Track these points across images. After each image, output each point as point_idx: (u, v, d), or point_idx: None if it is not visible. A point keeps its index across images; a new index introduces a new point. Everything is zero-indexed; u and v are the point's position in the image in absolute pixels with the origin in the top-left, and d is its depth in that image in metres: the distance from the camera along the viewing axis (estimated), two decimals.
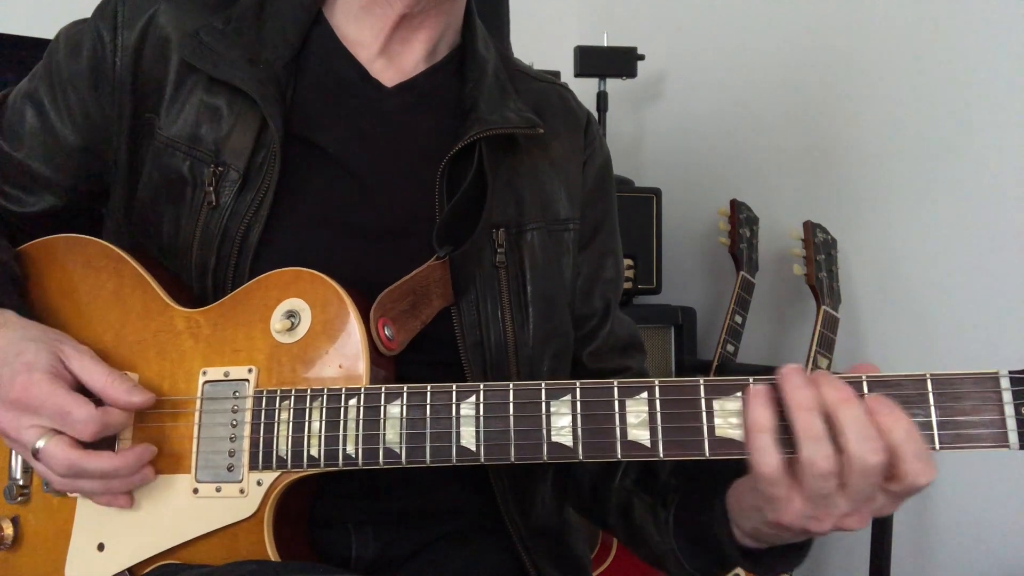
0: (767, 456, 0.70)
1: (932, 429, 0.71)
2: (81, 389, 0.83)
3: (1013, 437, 0.69)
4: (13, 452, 0.91)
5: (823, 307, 1.92)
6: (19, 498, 0.90)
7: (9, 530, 0.90)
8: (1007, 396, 0.70)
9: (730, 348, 2.04)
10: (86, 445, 0.82)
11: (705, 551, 0.85)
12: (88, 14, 1.01)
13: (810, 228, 1.97)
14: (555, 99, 1.11)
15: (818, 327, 1.91)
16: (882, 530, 1.85)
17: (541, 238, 1.02)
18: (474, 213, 0.96)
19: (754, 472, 0.71)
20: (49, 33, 1.04)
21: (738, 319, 2.06)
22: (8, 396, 0.81)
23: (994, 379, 0.70)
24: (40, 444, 0.80)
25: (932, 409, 0.71)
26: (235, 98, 0.95)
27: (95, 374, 0.83)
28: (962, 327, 1.86)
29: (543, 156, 1.05)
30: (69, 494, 0.88)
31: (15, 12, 1.91)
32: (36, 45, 1.52)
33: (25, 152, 1.00)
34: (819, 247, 1.95)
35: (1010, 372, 0.70)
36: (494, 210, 0.99)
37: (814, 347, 1.89)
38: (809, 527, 0.72)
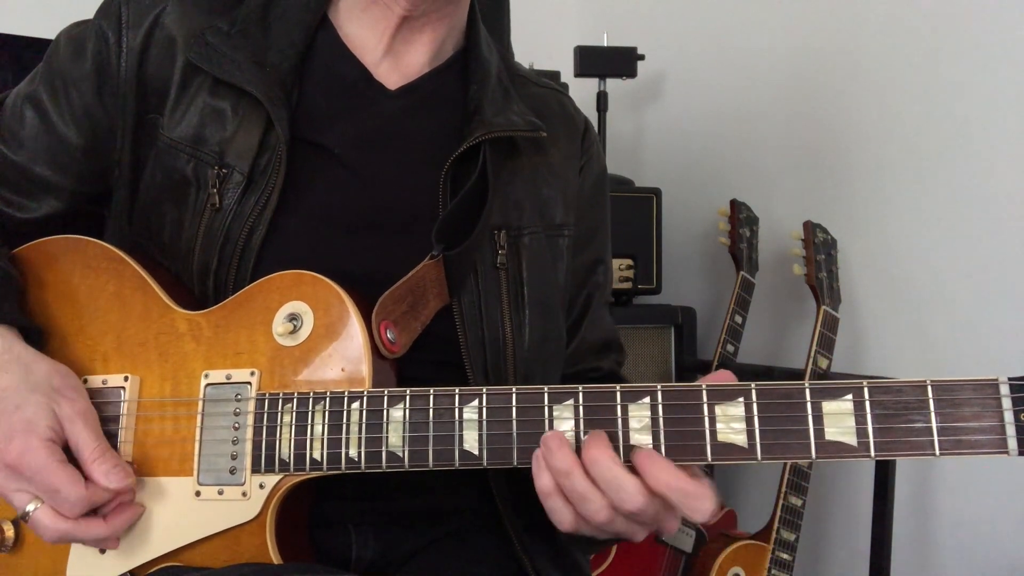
0: (559, 515, 0.78)
1: (932, 435, 0.71)
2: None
3: (1012, 443, 0.70)
4: None
5: (823, 307, 1.92)
6: None
7: (10, 532, 0.90)
8: (1006, 403, 0.70)
9: (730, 348, 2.04)
10: None
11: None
12: (88, 14, 1.01)
13: (810, 228, 1.97)
14: (554, 105, 1.11)
15: (818, 327, 1.91)
16: (882, 530, 1.85)
17: (538, 242, 1.02)
18: (474, 214, 0.96)
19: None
20: (49, 33, 1.03)
21: (738, 319, 2.06)
22: (3, 458, 0.81)
23: (993, 386, 0.71)
24: (30, 509, 0.81)
25: (932, 415, 0.71)
26: (240, 100, 0.95)
27: (85, 445, 0.82)
28: (962, 327, 1.86)
29: (542, 161, 1.05)
30: None
31: (15, 12, 1.91)
32: (36, 45, 1.52)
33: (26, 155, 0.99)
34: (819, 247, 1.95)
35: (1009, 379, 0.70)
36: (495, 212, 0.99)
37: (814, 347, 1.89)
38: (625, 539, 0.80)
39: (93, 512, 0.83)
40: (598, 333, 1.11)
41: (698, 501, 0.73)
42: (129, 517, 0.84)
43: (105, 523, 0.83)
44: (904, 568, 1.92)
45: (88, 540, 0.83)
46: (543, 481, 0.77)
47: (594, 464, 0.75)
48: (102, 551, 0.86)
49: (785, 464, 1.90)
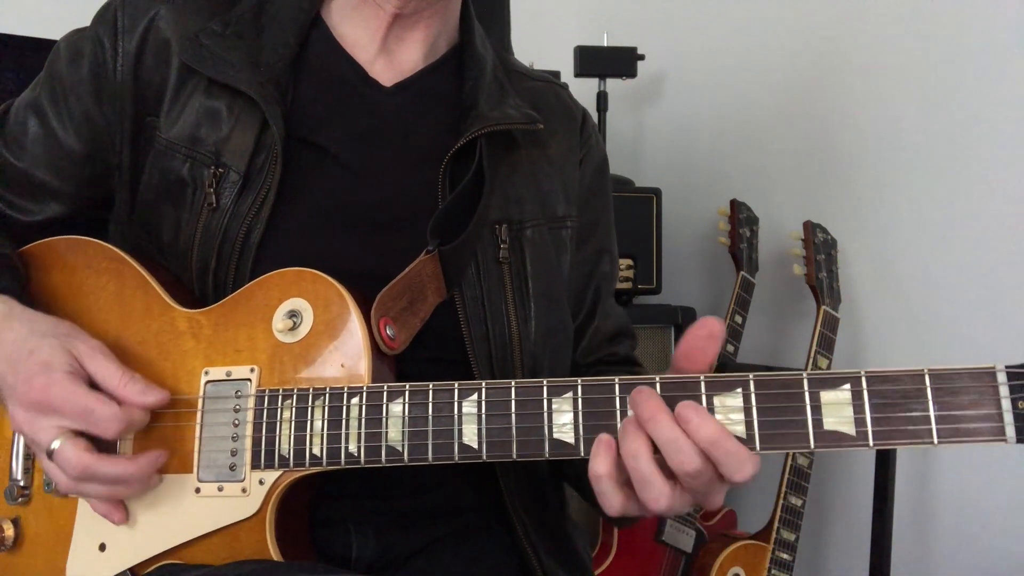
0: (609, 500, 0.76)
1: (930, 423, 0.71)
2: (95, 387, 0.83)
3: (1010, 431, 0.70)
4: (14, 453, 0.91)
5: (823, 307, 1.92)
6: (20, 499, 0.90)
7: (10, 531, 0.90)
8: (1004, 390, 0.70)
9: (730, 348, 2.04)
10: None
11: None
12: (88, 15, 1.02)
13: (810, 228, 1.97)
14: (551, 98, 1.12)
15: (818, 327, 1.91)
16: (882, 530, 1.85)
17: (540, 235, 1.03)
18: (471, 209, 0.97)
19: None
20: (49, 33, 1.04)
21: (738, 319, 2.06)
22: (27, 397, 0.81)
23: (991, 374, 0.71)
24: (56, 445, 0.80)
25: (930, 404, 0.71)
26: (235, 100, 0.96)
27: (110, 374, 0.83)
28: (962, 327, 1.86)
29: (541, 154, 1.06)
30: (70, 496, 0.88)
31: (15, 12, 1.91)
32: (36, 45, 1.52)
33: (29, 161, 1.00)
34: (819, 247, 1.96)
35: (1007, 367, 0.71)
36: (495, 207, 0.99)
37: (814, 347, 1.89)
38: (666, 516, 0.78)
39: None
40: (611, 322, 1.11)
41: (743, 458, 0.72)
42: (153, 459, 0.84)
43: (128, 460, 0.83)
44: (904, 568, 1.92)
45: (109, 478, 0.82)
46: (599, 465, 0.75)
47: (648, 424, 0.73)
48: (102, 548, 0.86)
49: (785, 464, 1.90)
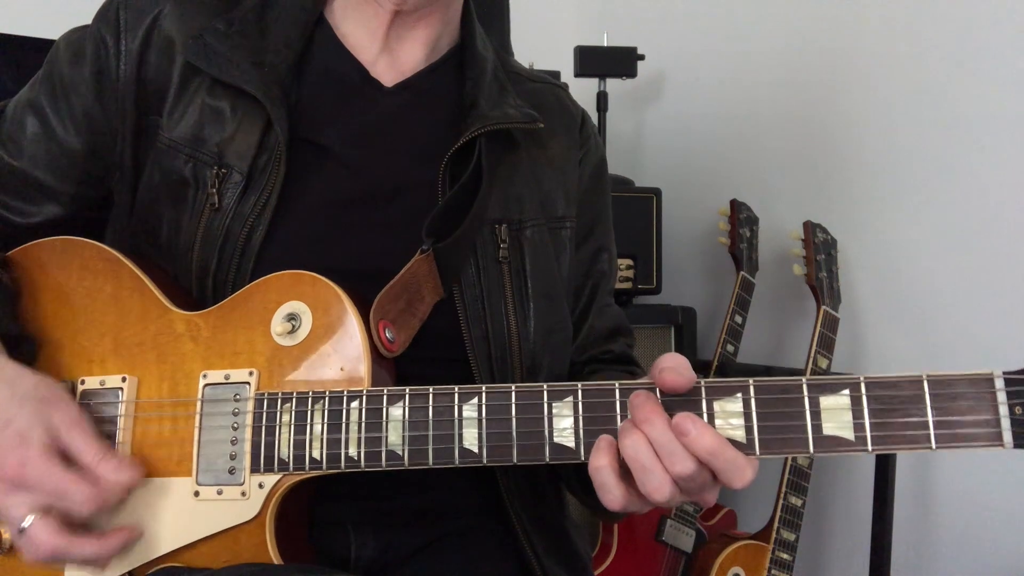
0: (610, 493, 0.76)
1: (929, 429, 0.72)
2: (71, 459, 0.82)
3: (1007, 436, 0.70)
4: None
5: (823, 307, 1.92)
6: None
7: (6, 535, 0.89)
8: (1001, 396, 0.71)
9: (730, 348, 2.04)
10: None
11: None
12: (88, 14, 1.01)
13: (810, 228, 1.97)
14: (551, 99, 1.12)
15: (818, 327, 1.91)
16: (882, 530, 1.85)
17: (540, 235, 1.03)
18: (469, 209, 0.96)
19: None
20: (49, 33, 1.04)
21: (738, 319, 2.06)
22: (0, 472, 0.79)
23: (988, 380, 0.71)
24: (27, 524, 0.79)
25: (928, 409, 0.72)
26: (238, 100, 0.96)
27: (85, 448, 0.82)
28: (962, 327, 1.86)
29: (541, 154, 1.06)
30: None
31: (15, 12, 1.91)
32: (36, 45, 1.52)
33: (26, 161, 0.99)
34: (819, 247, 1.95)
35: (1004, 373, 0.71)
36: (495, 206, 0.99)
37: (814, 347, 1.89)
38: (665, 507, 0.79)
39: (85, 530, 0.82)
40: (606, 321, 1.11)
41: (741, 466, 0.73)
42: (124, 537, 0.83)
43: (99, 541, 0.82)
44: (904, 568, 1.92)
45: (80, 559, 0.82)
46: (599, 457, 0.76)
47: (643, 425, 0.74)
48: None
49: (785, 464, 1.90)
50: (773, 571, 1.89)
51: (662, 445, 0.73)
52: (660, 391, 0.77)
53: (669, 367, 0.77)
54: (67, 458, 0.82)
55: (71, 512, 0.80)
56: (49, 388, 0.85)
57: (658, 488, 0.74)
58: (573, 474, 1.01)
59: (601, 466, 0.76)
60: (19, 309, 0.93)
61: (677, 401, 0.75)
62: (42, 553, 0.80)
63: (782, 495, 1.89)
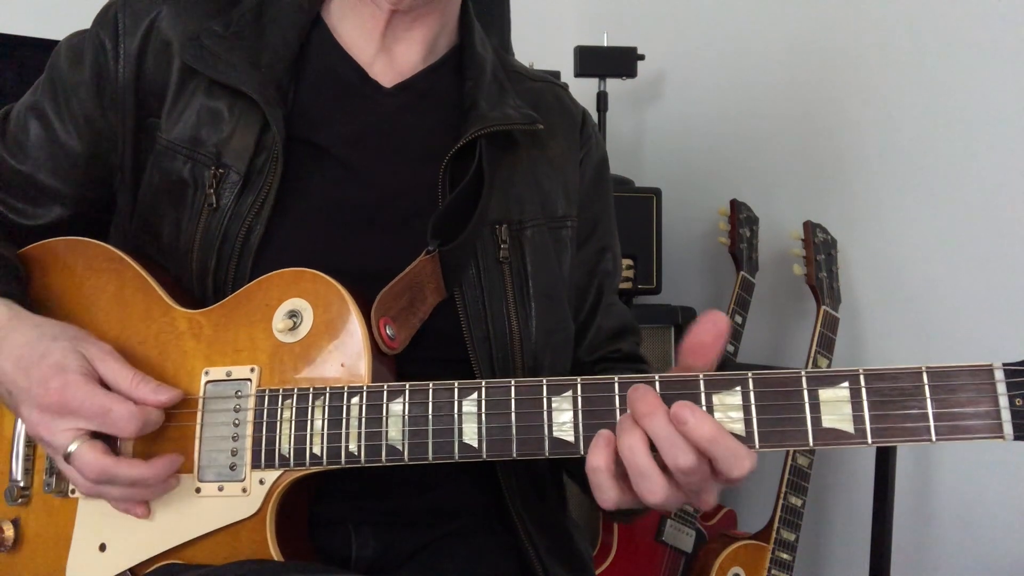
0: (605, 493, 0.76)
1: (928, 421, 0.71)
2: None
3: (1008, 428, 0.70)
4: (14, 454, 0.91)
5: (823, 307, 1.92)
6: (20, 500, 0.90)
7: (10, 532, 0.90)
8: (1001, 388, 0.70)
9: (730, 348, 2.04)
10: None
11: None
12: (88, 15, 1.02)
13: (810, 228, 1.97)
14: (551, 98, 1.12)
15: (818, 327, 1.91)
16: (882, 530, 1.85)
17: (541, 235, 1.03)
18: (471, 209, 0.97)
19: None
20: (49, 33, 1.04)
21: (738, 319, 2.06)
22: (43, 399, 0.81)
23: (988, 371, 0.71)
24: (73, 448, 0.80)
25: (928, 401, 0.72)
26: (236, 101, 0.96)
27: (122, 375, 0.83)
28: (962, 327, 1.86)
29: (541, 154, 1.06)
30: (84, 497, 0.87)
31: (15, 12, 1.91)
32: (36, 45, 1.52)
33: (31, 164, 1.00)
34: (819, 247, 1.96)
35: (1004, 364, 0.71)
36: (495, 207, 0.99)
37: (814, 347, 1.89)
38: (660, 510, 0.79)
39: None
40: (613, 320, 1.11)
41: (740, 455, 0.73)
42: (171, 461, 0.83)
43: (146, 463, 0.82)
44: (904, 568, 1.92)
45: (127, 480, 0.82)
46: (596, 457, 0.76)
47: (644, 419, 0.74)
48: (102, 548, 0.86)
49: (785, 464, 1.90)
50: (773, 571, 1.89)
51: (663, 438, 0.73)
52: (660, 384, 0.77)
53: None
54: (104, 386, 0.83)
55: (116, 432, 0.81)
56: (76, 329, 0.87)
57: (652, 491, 0.74)
58: (575, 469, 1.01)
59: (597, 467, 0.76)
60: (27, 303, 0.94)
61: (676, 394, 0.75)
62: (90, 474, 0.81)
63: (782, 495, 1.89)
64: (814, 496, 2.00)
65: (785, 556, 1.90)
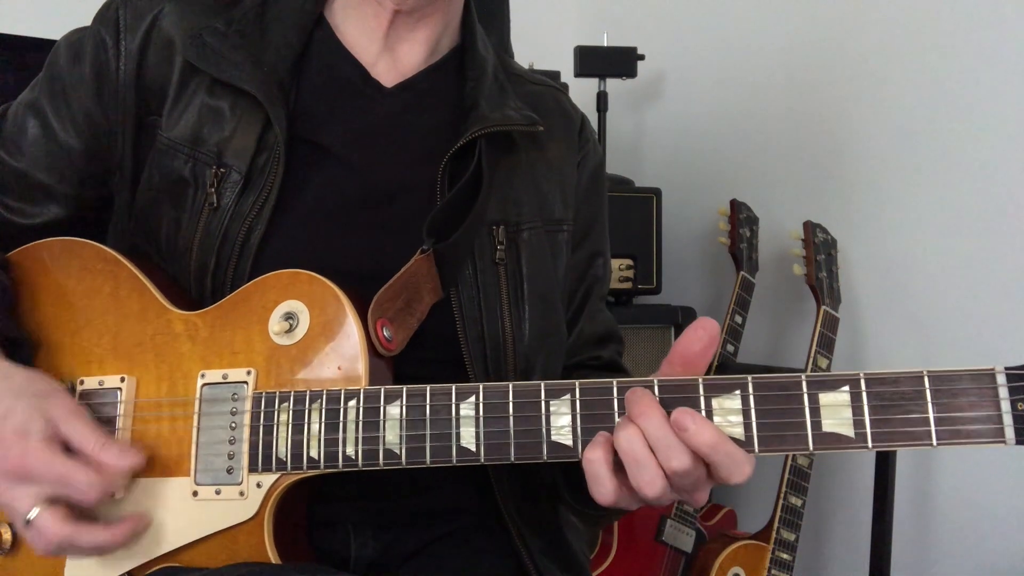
0: (602, 485, 0.76)
1: (930, 425, 0.71)
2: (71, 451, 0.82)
3: (1009, 432, 0.70)
4: None
5: (823, 307, 1.92)
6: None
7: (7, 535, 0.89)
8: (1003, 392, 0.70)
9: (730, 348, 2.04)
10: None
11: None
12: (88, 14, 1.01)
13: (810, 228, 1.97)
14: (550, 101, 1.11)
15: (818, 327, 1.91)
16: (882, 530, 1.85)
17: (537, 238, 1.02)
18: (469, 209, 0.96)
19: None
20: (49, 33, 1.04)
21: (738, 319, 2.06)
22: (3, 465, 0.79)
23: (990, 375, 0.71)
24: (33, 515, 0.79)
25: (929, 406, 0.71)
26: (238, 100, 0.96)
27: (85, 438, 0.81)
28: (962, 327, 1.86)
29: (540, 157, 1.06)
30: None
31: (15, 12, 1.91)
32: (37, 45, 1.52)
33: (28, 162, 0.99)
34: (819, 247, 1.95)
35: (1006, 368, 0.71)
36: (493, 208, 0.99)
37: (814, 347, 1.89)
38: (653, 506, 0.80)
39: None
40: (597, 326, 1.11)
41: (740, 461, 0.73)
42: (133, 525, 0.83)
43: (107, 529, 0.81)
44: (904, 568, 1.92)
45: (88, 548, 0.81)
46: (594, 450, 0.76)
47: (639, 419, 0.75)
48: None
49: (785, 464, 1.90)
50: (773, 571, 1.89)
51: (658, 439, 0.73)
52: (659, 388, 0.77)
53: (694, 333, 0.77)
54: (68, 449, 0.81)
55: (76, 500, 0.80)
56: (44, 382, 0.85)
57: (650, 483, 0.74)
58: (564, 485, 1.01)
59: (595, 458, 0.75)
60: (18, 310, 0.93)
61: (675, 398, 0.75)
62: (50, 543, 0.79)
63: (782, 495, 1.89)
64: (814, 496, 2.00)
65: (785, 556, 1.90)
